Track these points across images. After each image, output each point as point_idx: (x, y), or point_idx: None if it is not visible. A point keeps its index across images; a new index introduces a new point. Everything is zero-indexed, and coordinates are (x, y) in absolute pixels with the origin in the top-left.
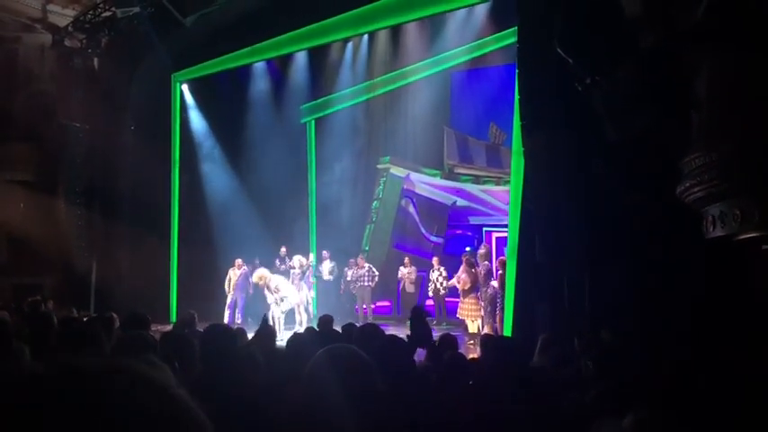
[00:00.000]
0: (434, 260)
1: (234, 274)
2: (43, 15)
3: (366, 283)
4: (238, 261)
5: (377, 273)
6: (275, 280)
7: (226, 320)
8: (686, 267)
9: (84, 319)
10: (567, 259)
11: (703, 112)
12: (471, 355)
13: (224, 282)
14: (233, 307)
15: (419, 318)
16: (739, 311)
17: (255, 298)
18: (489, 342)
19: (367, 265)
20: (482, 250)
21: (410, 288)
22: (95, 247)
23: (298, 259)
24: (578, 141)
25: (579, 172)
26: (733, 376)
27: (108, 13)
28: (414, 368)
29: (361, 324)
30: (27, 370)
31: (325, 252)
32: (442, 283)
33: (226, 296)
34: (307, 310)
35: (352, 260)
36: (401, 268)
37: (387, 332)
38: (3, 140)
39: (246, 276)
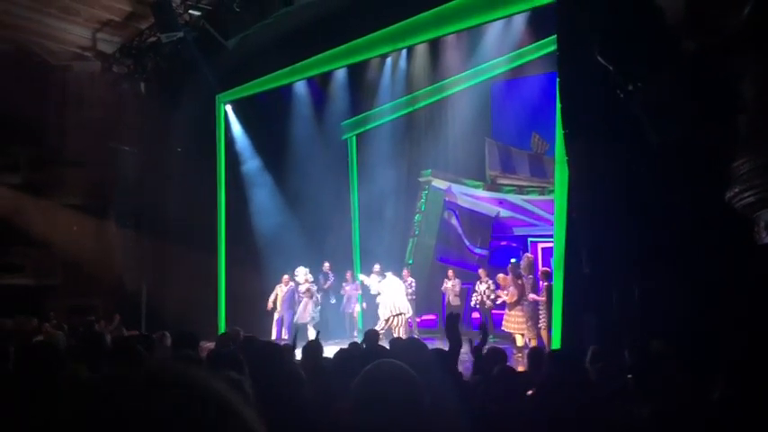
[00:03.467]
0: (481, 272)
1: (281, 291)
2: (93, 44)
3: (411, 297)
4: (285, 277)
5: (413, 287)
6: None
7: (273, 337)
8: (740, 275)
9: (134, 337)
10: (615, 269)
11: (750, 115)
12: (519, 368)
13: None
14: (280, 324)
15: (452, 325)
16: None
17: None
18: (538, 356)
19: (410, 278)
20: (524, 262)
21: (455, 301)
22: (145, 267)
23: (303, 273)
24: (622, 149)
25: (623, 180)
26: None
27: (153, 39)
28: (460, 381)
29: (406, 337)
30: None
31: (376, 266)
32: (489, 296)
33: (272, 313)
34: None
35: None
36: (445, 281)
37: (432, 346)
38: (55, 165)
39: (293, 292)
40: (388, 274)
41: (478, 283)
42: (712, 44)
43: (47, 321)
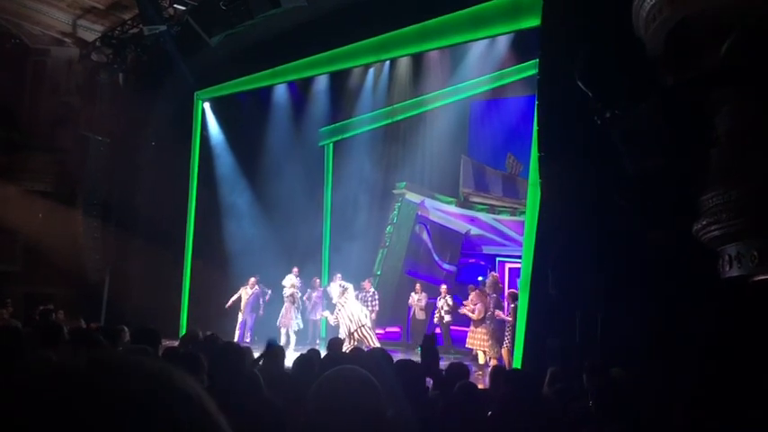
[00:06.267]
0: (443, 288)
1: (245, 293)
2: (73, 30)
3: (373, 308)
4: (252, 280)
5: (377, 299)
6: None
7: (236, 339)
8: (701, 306)
9: (94, 329)
10: (581, 293)
11: (722, 150)
12: (479, 386)
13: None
14: (243, 326)
15: (430, 347)
16: (755, 353)
17: (266, 318)
18: (500, 374)
19: (372, 289)
20: (489, 280)
21: (420, 315)
22: (109, 259)
23: (290, 279)
24: (596, 175)
25: (595, 205)
26: (749, 418)
27: (135, 30)
28: (426, 394)
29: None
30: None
31: (337, 274)
32: (448, 312)
33: (237, 314)
34: (296, 332)
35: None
36: (412, 294)
37: (396, 358)
38: (25, 150)
39: (258, 296)
40: (349, 288)
41: (438, 298)
42: (690, 79)
43: (3, 308)
